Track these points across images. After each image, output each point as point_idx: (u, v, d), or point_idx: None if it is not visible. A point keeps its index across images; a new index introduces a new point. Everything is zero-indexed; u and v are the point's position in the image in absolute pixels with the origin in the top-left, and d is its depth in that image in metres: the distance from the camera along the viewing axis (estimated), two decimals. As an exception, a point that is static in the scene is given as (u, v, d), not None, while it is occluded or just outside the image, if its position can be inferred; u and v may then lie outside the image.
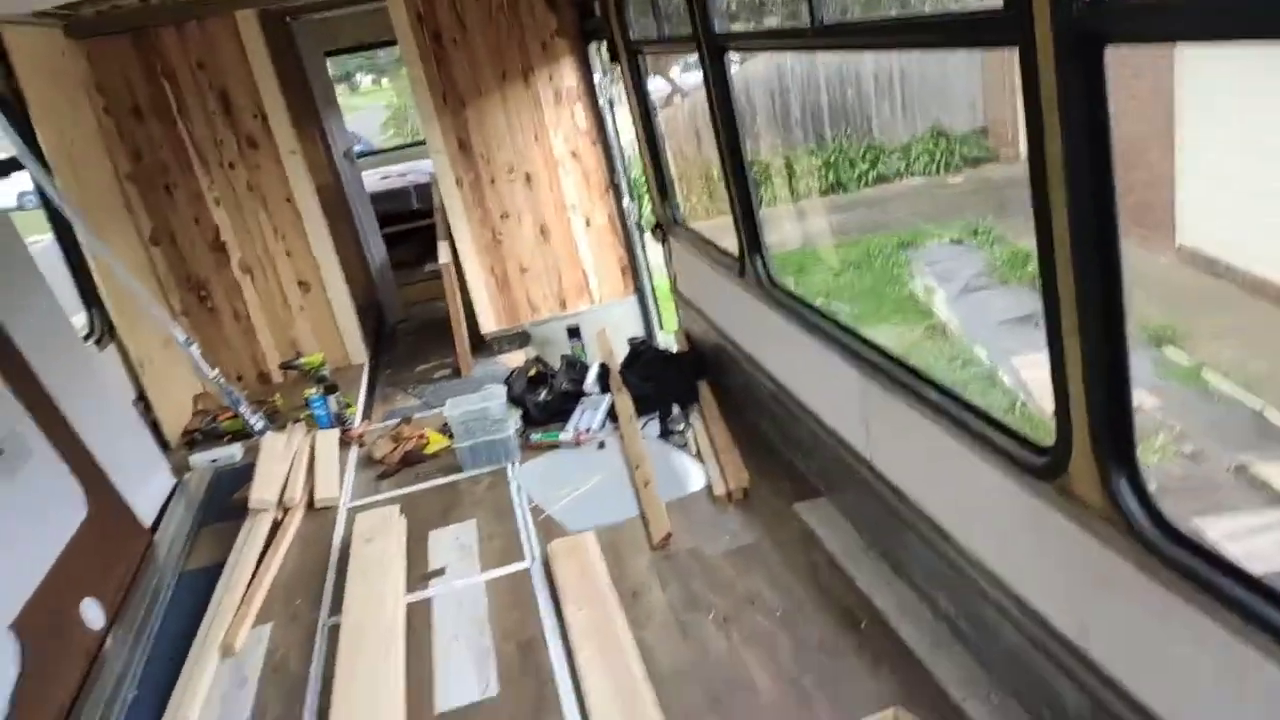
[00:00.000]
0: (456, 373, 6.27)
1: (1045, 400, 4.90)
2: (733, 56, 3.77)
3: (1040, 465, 2.18)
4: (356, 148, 9.05)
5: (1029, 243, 5.57)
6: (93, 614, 3.43)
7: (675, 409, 4.47)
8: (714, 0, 3.65)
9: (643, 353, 4.88)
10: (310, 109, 7.17)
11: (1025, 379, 8.27)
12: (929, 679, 2.67)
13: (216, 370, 5.02)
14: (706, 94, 3.87)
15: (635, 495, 3.92)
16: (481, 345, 6.51)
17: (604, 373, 4.86)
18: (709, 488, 3.90)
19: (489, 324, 6.48)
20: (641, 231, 6.53)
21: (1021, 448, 2.27)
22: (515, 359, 6.36)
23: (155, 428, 5.26)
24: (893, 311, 10.47)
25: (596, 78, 6.09)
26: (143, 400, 5.23)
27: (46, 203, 4.78)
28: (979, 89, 13.11)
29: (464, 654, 3.10)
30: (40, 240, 5.06)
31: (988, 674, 2.63)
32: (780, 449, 4.10)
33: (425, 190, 8.97)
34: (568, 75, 6.10)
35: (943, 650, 2.76)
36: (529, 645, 3.10)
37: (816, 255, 12.11)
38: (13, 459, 3.41)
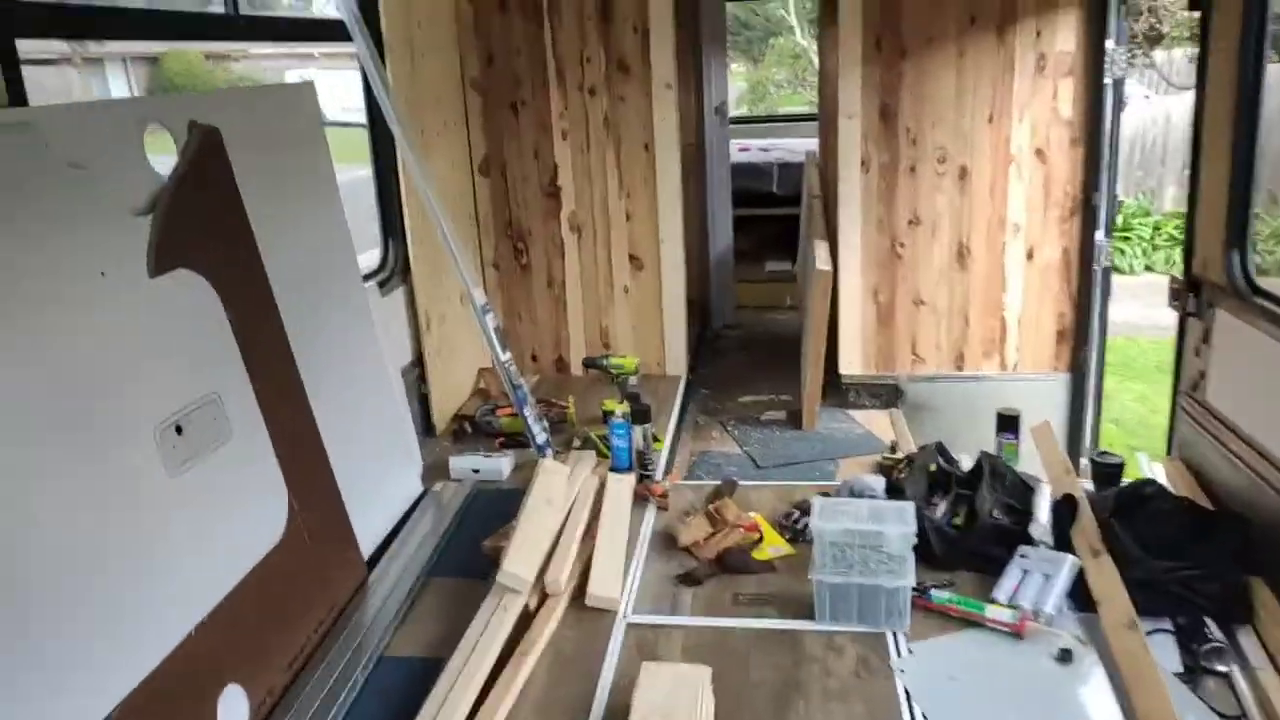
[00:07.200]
0: (796, 420, 4.65)
1: None
2: None
3: None
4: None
5: None
6: (234, 714, 2.22)
7: (1209, 622, 2.52)
8: None
9: (1149, 498, 2.91)
10: (693, 49, 5.82)
11: None
12: None
13: (509, 354, 3.77)
14: None
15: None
16: (832, 387, 4.84)
17: (1065, 512, 2.96)
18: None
19: (852, 364, 4.80)
20: (1108, 280, 4.50)
21: None
22: (878, 421, 4.63)
23: (424, 403, 4.18)
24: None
25: (1108, 45, 4.14)
26: (419, 367, 4.16)
27: (369, 101, 3.76)
28: None
29: None
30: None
31: None
32: None
33: (792, 172, 7.45)
34: (1064, 36, 4.21)
35: None
36: None
37: None
38: (193, 444, 2.26)
